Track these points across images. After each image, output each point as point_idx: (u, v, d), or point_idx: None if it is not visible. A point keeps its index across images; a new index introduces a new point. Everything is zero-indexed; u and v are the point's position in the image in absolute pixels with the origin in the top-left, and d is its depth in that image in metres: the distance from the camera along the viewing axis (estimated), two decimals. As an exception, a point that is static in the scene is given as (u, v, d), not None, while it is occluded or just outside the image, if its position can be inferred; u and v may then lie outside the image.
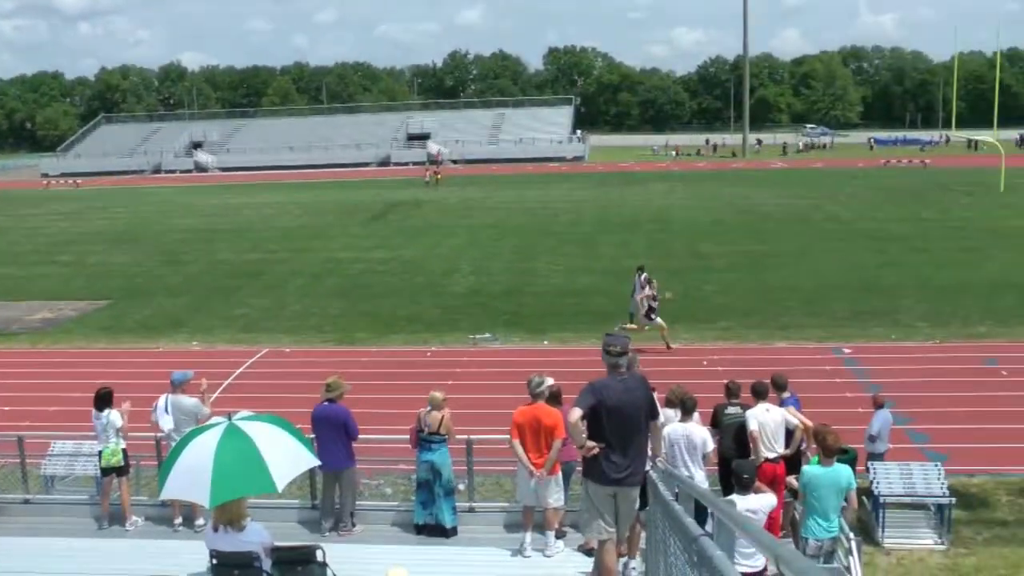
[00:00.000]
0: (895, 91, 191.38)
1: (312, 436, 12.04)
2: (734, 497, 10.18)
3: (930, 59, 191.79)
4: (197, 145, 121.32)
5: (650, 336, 25.51)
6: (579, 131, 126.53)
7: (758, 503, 10.24)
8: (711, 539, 5.02)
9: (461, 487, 13.24)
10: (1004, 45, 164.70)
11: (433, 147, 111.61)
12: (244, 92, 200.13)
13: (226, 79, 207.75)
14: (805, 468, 11.64)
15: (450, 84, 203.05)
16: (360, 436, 12.79)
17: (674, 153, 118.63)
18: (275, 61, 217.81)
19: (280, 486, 8.53)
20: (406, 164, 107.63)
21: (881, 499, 14.54)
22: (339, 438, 12.50)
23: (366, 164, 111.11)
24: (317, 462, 10.44)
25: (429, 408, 12.51)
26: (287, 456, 8.82)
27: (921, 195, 63.60)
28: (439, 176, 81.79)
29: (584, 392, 8.91)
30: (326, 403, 12.64)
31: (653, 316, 25.45)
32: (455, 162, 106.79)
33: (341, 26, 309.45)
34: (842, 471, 11.16)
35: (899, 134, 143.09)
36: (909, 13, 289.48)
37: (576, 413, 8.74)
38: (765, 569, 9.76)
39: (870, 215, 53.07)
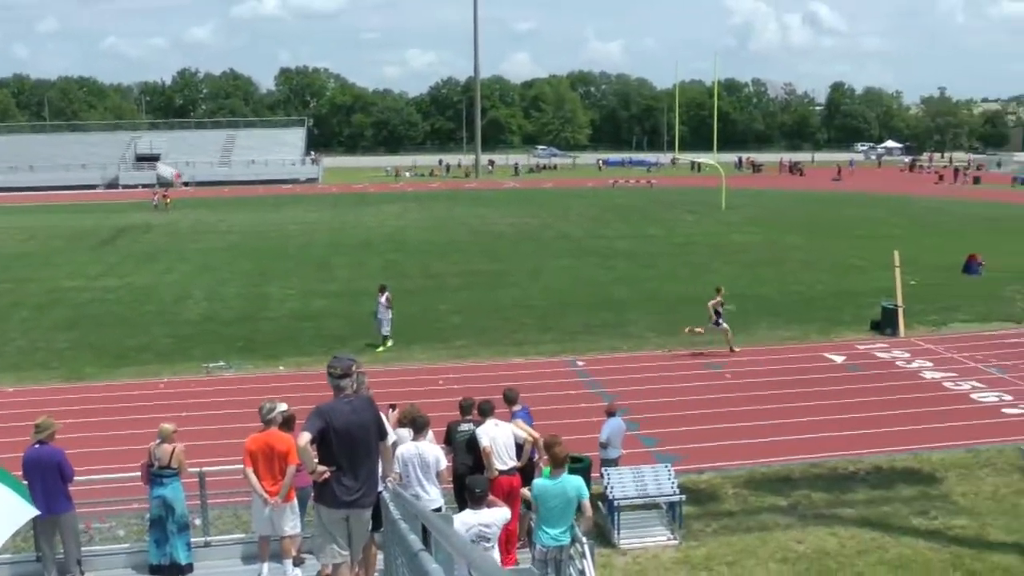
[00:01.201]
0: (622, 115, 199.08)
1: (26, 482, 11.34)
2: (468, 512, 10.34)
3: (654, 86, 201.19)
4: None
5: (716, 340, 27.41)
6: (312, 152, 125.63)
7: (491, 517, 10.40)
8: (430, 554, 5.14)
9: (197, 522, 12.90)
10: (721, 75, 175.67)
11: (167, 169, 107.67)
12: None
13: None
14: (535, 481, 11.94)
15: (180, 103, 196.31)
16: (91, 476, 12.26)
17: (405, 173, 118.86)
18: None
19: None
20: (135, 186, 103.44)
21: (615, 503, 15.22)
22: (54, 481, 11.83)
23: (93, 186, 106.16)
24: (36, 512, 9.87)
25: (159, 441, 12.12)
26: (4, 512, 8.30)
27: (648, 214, 66.70)
28: (168, 199, 79.19)
29: (312, 416, 8.88)
30: (37, 445, 11.97)
31: (720, 322, 27.02)
32: (186, 184, 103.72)
33: (64, 37, 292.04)
34: (571, 481, 11.41)
35: (627, 156, 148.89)
36: (634, 42, 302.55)
37: (305, 437, 8.71)
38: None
39: (600, 233, 55.18)
